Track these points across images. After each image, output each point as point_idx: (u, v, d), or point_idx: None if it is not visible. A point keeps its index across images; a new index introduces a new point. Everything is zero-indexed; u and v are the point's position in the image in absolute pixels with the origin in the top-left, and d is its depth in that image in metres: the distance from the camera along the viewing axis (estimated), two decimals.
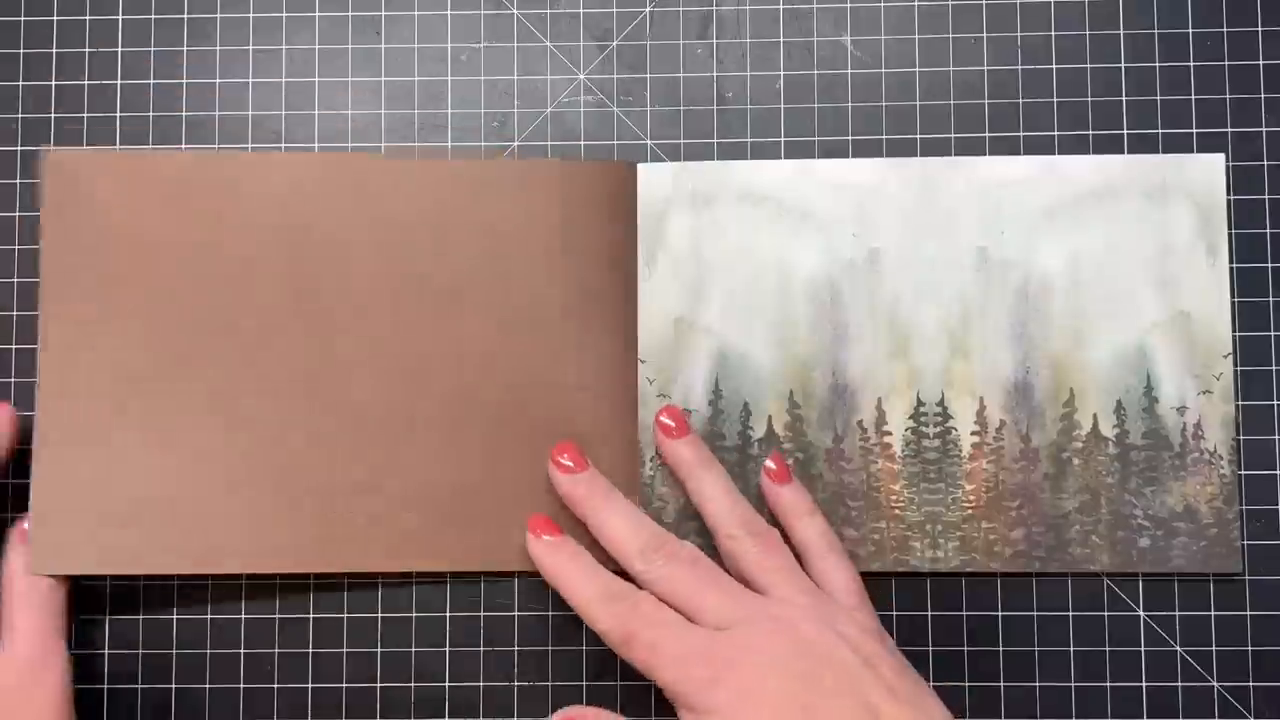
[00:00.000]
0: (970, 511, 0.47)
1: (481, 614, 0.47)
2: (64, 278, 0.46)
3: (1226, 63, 0.48)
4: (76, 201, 0.47)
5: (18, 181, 0.49)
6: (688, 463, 0.46)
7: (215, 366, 0.47)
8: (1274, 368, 0.47)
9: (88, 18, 0.49)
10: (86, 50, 0.49)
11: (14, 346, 0.48)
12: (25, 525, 0.46)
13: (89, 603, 0.47)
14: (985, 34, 0.48)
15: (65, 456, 0.46)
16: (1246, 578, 0.47)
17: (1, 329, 0.48)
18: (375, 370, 0.47)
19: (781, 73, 0.49)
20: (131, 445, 0.46)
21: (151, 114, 0.49)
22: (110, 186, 0.47)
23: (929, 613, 0.47)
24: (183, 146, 0.49)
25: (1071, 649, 0.47)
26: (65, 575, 0.45)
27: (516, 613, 0.47)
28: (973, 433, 0.47)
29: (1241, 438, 0.47)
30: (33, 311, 0.48)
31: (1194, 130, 0.48)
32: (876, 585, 0.47)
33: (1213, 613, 0.47)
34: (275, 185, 0.47)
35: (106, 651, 0.47)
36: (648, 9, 0.49)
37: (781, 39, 0.49)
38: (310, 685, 0.47)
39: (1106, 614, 0.47)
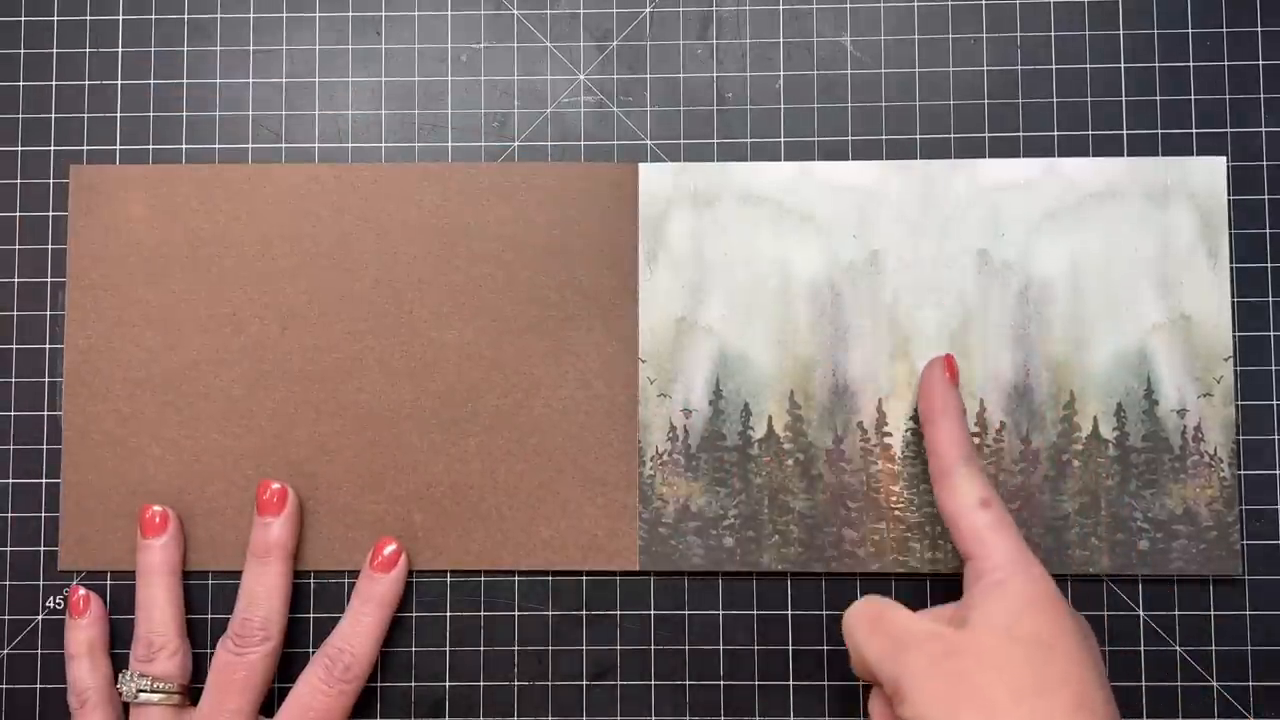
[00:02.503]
0: None
1: (481, 614, 0.48)
2: (88, 284, 0.48)
3: (1226, 63, 0.48)
4: (100, 213, 0.48)
5: (18, 182, 0.49)
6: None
7: (227, 368, 0.48)
8: (1274, 368, 0.47)
9: (88, 18, 0.49)
10: (86, 50, 0.49)
11: (14, 346, 0.48)
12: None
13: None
14: (985, 34, 0.48)
15: (92, 456, 0.48)
16: (1246, 578, 0.47)
17: (2, 329, 0.48)
18: (379, 371, 0.47)
19: (781, 73, 0.49)
20: (150, 445, 0.47)
21: (151, 114, 0.49)
22: (130, 198, 0.48)
23: None
24: (183, 147, 0.49)
25: None
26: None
27: (516, 613, 0.48)
28: (973, 434, 0.47)
29: (1241, 438, 0.47)
30: (34, 311, 0.48)
31: (1194, 131, 0.48)
32: (876, 586, 0.47)
33: (1212, 613, 0.47)
34: (284, 194, 0.48)
35: (113, 651, 0.47)
36: (648, 9, 0.49)
37: (781, 39, 0.49)
38: None
39: (1106, 614, 0.47)
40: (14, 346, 0.48)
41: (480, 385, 0.48)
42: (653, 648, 0.47)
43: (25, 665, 0.48)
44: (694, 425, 0.47)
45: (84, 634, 0.46)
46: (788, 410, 0.47)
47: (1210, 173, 0.47)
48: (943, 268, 0.47)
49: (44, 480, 0.48)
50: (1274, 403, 0.47)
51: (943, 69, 0.48)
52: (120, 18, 0.49)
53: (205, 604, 0.48)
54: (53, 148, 0.49)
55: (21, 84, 0.49)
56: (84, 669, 0.46)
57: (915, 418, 0.47)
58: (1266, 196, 0.48)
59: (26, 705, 0.48)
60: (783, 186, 0.48)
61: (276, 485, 0.46)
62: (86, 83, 0.49)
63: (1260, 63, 0.48)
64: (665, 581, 0.48)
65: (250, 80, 0.49)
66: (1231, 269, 0.47)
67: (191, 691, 0.46)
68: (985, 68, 0.48)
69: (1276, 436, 0.47)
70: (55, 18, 0.49)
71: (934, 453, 0.43)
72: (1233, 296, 0.47)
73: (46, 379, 0.48)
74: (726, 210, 0.48)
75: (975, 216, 0.47)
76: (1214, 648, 0.47)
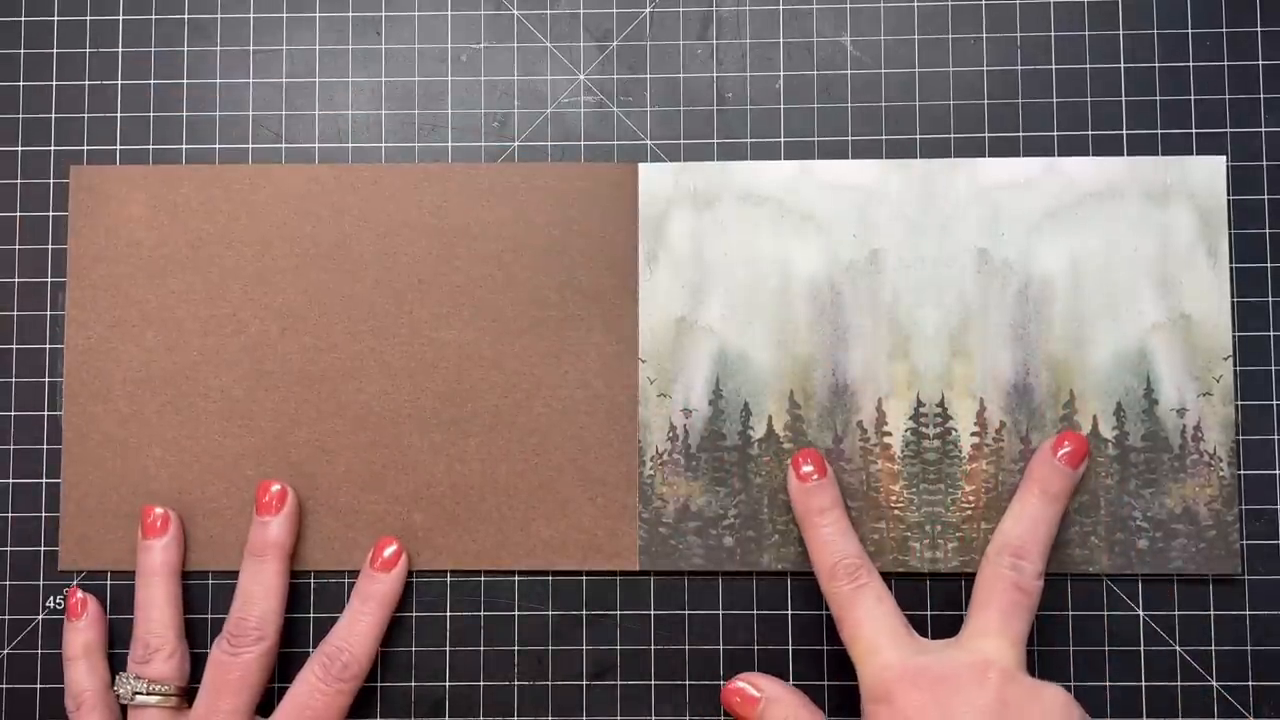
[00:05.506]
0: (970, 512, 0.47)
1: (481, 614, 0.48)
2: (88, 284, 0.48)
3: (1226, 63, 0.48)
4: (100, 213, 0.48)
5: (18, 182, 0.49)
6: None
7: (227, 368, 0.48)
8: (1273, 368, 0.47)
9: (88, 18, 0.49)
10: (86, 50, 0.49)
11: (14, 346, 0.48)
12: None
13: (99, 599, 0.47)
14: (985, 34, 0.48)
15: (92, 456, 0.48)
16: (1246, 578, 0.47)
17: (2, 329, 0.48)
18: (379, 371, 0.47)
19: (781, 73, 0.49)
20: (150, 445, 0.48)
21: (151, 114, 0.49)
22: (130, 198, 0.48)
23: (928, 613, 0.47)
24: (183, 147, 0.49)
25: (1071, 649, 0.47)
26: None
27: (516, 613, 0.48)
28: (973, 434, 0.47)
29: (1241, 438, 0.47)
30: (34, 311, 0.48)
31: (1193, 131, 0.48)
32: None
33: (1212, 612, 0.47)
34: (284, 194, 0.48)
35: (112, 651, 0.47)
36: (648, 9, 0.49)
37: (781, 39, 0.49)
38: None
39: (1106, 614, 0.47)
40: (14, 346, 0.48)
41: (480, 385, 0.48)
42: (653, 648, 0.47)
43: (25, 665, 0.48)
44: (694, 425, 0.47)
45: (81, 636, 0.46)
46: (788, 410, 0.47)
47: (1210, 172, 0.47)
48: (942, 267, 0.47)
49: (44, 480, 0.48)
50: (1274, 403, 0.47)
51: (943, 69, 0.48)
52: (120, 18, 0.49)
53: (205, 604, 0.48)
54: (53, 148, 0.49)
55: (21, 84, 0.49)
56: (81, 671, 0.46)
57: (915, 417, 0.47)
58: (1266, 196, 0.48)
59: (26, 705, 0.48)
60: (783, 186, 0.48)
61: (276, 487, 0.46)
62: (86, 83, 0.49)
63: (1260, 63, 0.48)
64: (665, 581, 0.48)
65: (250, 80, 0.49)
66: (1231, 269, 0.47)
67: (190, 693, 0.46)
68: (985, 68, 0.48)
69: (1276, 436, 0.47)
70: (55, 18, 0.49)
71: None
72: (1232, 296, 0.47)
73: (46, 379, 0.48)
74: (726, 210, 0.48)
75: (975, 216, 0.47)
76: (1214, 647, 0.47)
